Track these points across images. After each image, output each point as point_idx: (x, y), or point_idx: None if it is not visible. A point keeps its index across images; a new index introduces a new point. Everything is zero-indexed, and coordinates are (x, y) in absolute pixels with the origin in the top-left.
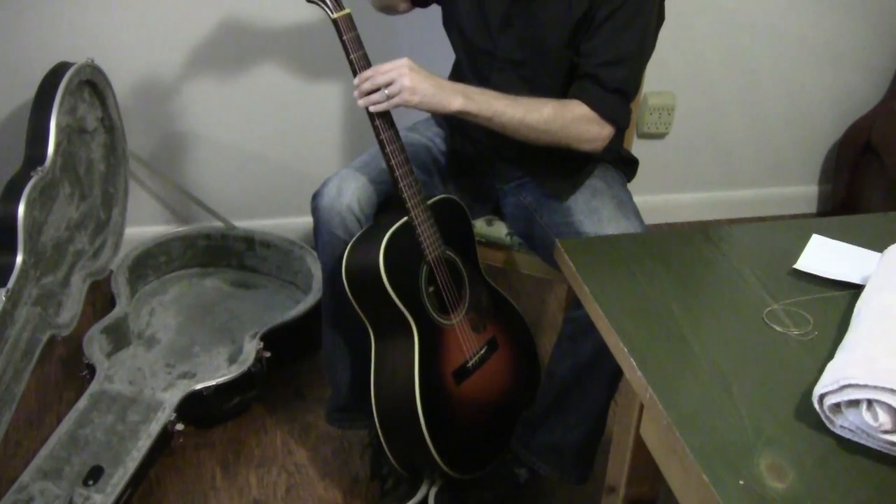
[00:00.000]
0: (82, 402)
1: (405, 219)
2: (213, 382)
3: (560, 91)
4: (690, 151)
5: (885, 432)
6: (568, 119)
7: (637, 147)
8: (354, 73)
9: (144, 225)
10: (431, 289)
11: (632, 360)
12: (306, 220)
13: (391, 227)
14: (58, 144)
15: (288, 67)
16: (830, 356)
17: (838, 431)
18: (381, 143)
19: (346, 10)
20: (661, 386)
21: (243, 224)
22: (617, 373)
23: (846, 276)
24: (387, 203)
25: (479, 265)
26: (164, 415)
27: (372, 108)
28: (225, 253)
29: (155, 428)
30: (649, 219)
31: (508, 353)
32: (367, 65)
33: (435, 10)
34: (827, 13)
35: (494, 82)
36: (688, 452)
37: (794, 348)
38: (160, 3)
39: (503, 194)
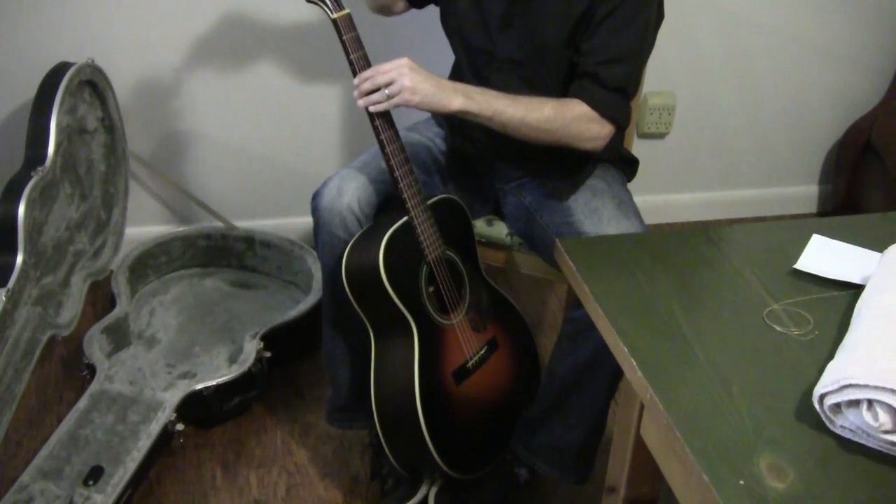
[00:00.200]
0: (82, 402)
1: (405, 219)
2: (213, 382)
3: (560, 90)
4: (690, 151)
5: (886, 432)
6: (568, 118)
7: (637, 147)
8: (354, 74)
9: (144, 225)
10: (431, 289)
11: (632, 359)
12: (306, 220)
13: (391, 227)
14: (58, 144)
15: (288, 67)
16: (831, 356)
17: (838, 431)
18: (380, 143)
19: (346, 11)
20: (662, 386)
21: (243, 224)
22: (617, 373)
23: (846, 276)
24: (387, 203)
25: (480, 265)
26: (165, 415)
27: (372, 108)
28: (225, 253)
29: (155, 428)
30: (649, 219)
31: (508, 353)
32: (367, 65)
33: (434, 11)
34: (827, 13)
35: (494, 82)
36: (688, 452)
37: (794, 348)
38: (160, 3)
39: (503, 194)
